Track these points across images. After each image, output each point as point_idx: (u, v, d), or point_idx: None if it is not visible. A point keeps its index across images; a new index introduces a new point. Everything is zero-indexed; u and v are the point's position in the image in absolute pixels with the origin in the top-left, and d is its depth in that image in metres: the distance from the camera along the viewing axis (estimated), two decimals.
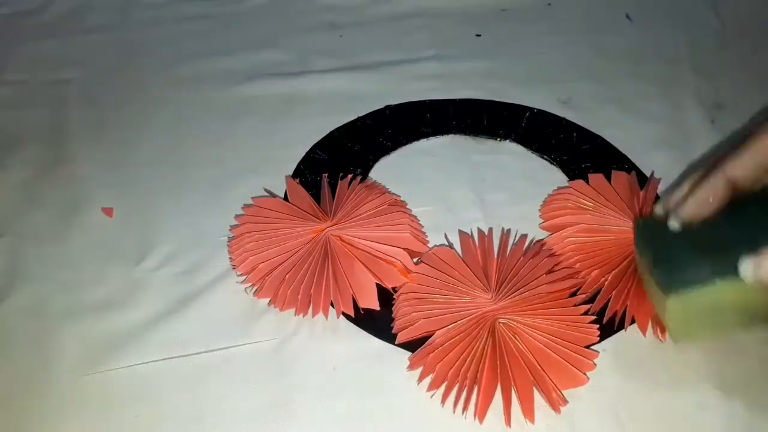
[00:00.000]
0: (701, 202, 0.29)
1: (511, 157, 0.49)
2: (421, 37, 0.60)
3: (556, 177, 0.47)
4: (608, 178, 0.45)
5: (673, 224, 0.30)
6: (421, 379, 0.35)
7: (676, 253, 0.29)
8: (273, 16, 0.63)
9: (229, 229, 0.43)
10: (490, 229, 0.43)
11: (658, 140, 0.49)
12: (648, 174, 0.46)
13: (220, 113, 0.53)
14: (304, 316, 0.38)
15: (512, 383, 0.34)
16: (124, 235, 0.44)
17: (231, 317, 0.39)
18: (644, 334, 0.37)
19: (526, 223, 0.43)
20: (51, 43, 0.60)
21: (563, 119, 0.51)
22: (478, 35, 0.61)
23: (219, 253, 0.42)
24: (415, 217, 0.43)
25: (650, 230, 0.32)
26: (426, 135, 0.50)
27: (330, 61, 0.57)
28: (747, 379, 0.36)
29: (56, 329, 0.38)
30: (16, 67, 0.57)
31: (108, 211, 0.45)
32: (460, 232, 0.43)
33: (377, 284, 0.39)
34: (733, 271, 0.26)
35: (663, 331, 0.37)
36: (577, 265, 0.40)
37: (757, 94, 0.52)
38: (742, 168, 0.28)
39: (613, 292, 0.38)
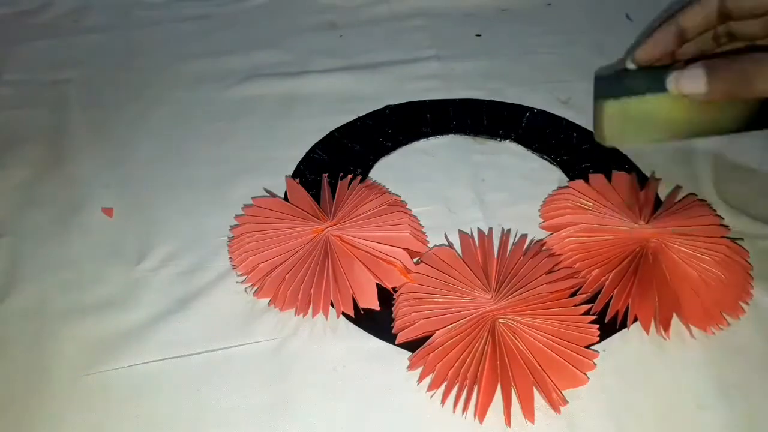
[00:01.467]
0: (654, 43, 0.34)
1: (511, 157, 0.49)
2: (421, 37, 0.60)
3: (556, 177, 0.47)
4: (608, 178, 0.45)
5: (629, 64, 0.36)
6: (421, 379, 0.35)
7: (624, 77, 0.34)
8: (273, 16, 0.63)
9: (229, 229, 0.43)
10: (490, 229, 0.43)
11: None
12: (648, 174, 0.46)
13: (220, 113, 0.53)
14: (304, 316, 0.38)
15: (512, 383, 0.34)
16: (124, 235, 0.44)
17: (231, 317, 0.39)
18: (647, 332, 0.37)
19: (526, 223, 0.43)
20: (51, 43, 0.60)
21: (563, 119, 0.51)
22: (478, 35, 0.61)
23: (219, 253, 0.42)
24: (415, 217, 0.43)
25: (606, 77, 0.37)
26: (426, 135, 0.50)
27: (330, 61, 0.57)
28: (747, 379, 0.36)
29: (56, 329, 0.38)
30: (16, 67, 0.57)
31: (108, 211, 0.45)
32: (460, 232, 0.43)
33: (377, 284, 0.39)
34: (663, 86, 0.32)
35: (666, 329, 0.37)
36: (577, 264, 0.40)
37: None
38: (691, 19, 0.34)
39: (615, 290, 0.38)
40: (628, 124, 0.34)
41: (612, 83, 0.35)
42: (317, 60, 0.58)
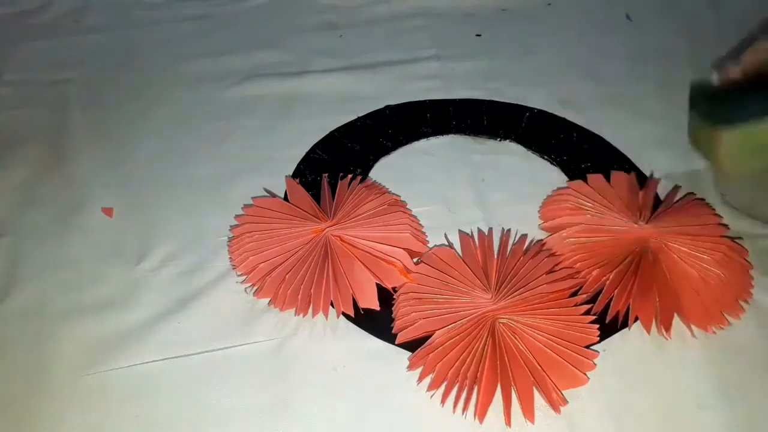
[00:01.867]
0: (751, 58, 0.32)
1: (511, 157, 0.49)
2: (421, 37, 0.60)
3: (556, 177, 0.47)
4: (607, 178, 0.45)
5: (734, 71, 0.33)
6: (421, 378, 0.35)
7: (733, 96, 0.31)
8: (273, 16, 0.63)
9: (229, 229, 0.43)
10: (490, 229, 0.43)
11: (657, 140, 0.49)
12: (647, 174, 0.46)
13: (220, 113, 0.53)
14: (304, 316, 0.38)
15: (512, 383, 0.34)
16: (124, 235, 0.44)
17: (231, 317, 0.39)
18: (648, 332, 0.37)
19: (526, 223, 0.43)
20: (51, 43, 0.60)
21: (563, 119, 0.51)
22: (478, 35, 0.61)
23: (219, 253, 0.42)
24: (415, 217, 0.43)
25: (705, 89, 0.34)
26: (426, 135, 0.50)
27: (330, 61, 0.57)
28: (747, 379, 0.36)
29: (56, 329, 0.38)
30: (16, 67, 0.57)
31: (108, 211, 0.45)
32: (460, 232, 0.43)
33: (377, 284, 0.39)
34: None
35: (668, 329, 0.37)
36: (578, 264, 0.40)
37: None
38: None
39: (615, 291, 0.38)
40: (748, 151, 0.32)
41: (719, 105, 0.32)
42: (317, 60, 0.58)
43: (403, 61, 0.57)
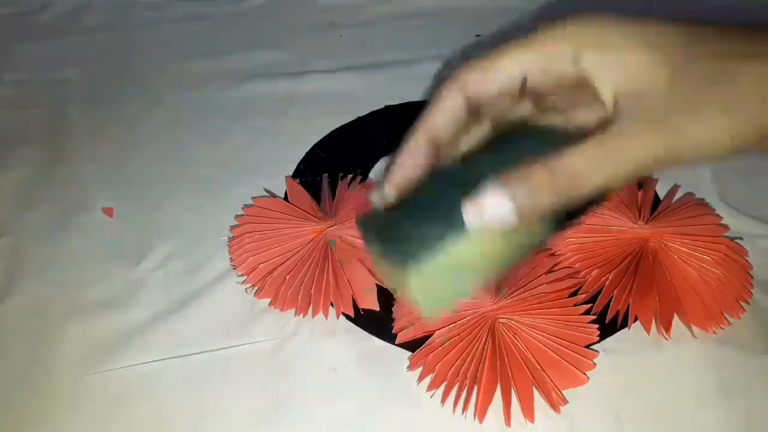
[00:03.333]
0: (407, 167, 0.27)
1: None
2: (421, 37, 0.60)
3: None
4: None
5: (388, 194, 0.27)
6: (421, 378, 0.35)
7: (403, 230, 0.26)
8: (273, 16, 0.63)
9: (229, 229, 0.43)
10: None
11: None
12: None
13: (220, 113, 0.53)
14: (304, 317, 0.38)
15: (512, 383, 0.34)
16: (124, 235, 0.44)
17: (231, 317, 0.39)
18: (648, 332, 0.37)
19: None
20: (51, 43, 0.60)
21: None
22: (478, 35, 0.61)
23: (219, 253, 0.42)
24: None
25: (373, 221, 0.29)
26: None
27: (330, 61, 0.57)
28: (747, 379, 0.36)
29: (56, 329, 0.38)
30: (16, 67, 0.57)
31: (108, 211, 0.45)
32: None
33: (377, 284, 0.39)
34: (459, 226, 0.24)
35: (667, 329, 0.37)
36: (577, 265, 0.40)
37: None
38: (434, 124, 0.26)
39: (615, 290, 0.38)
40: (440, 287, 0.26)
41: (394, 239, 0.26)
42: (317, 60, 0.58)
43: (403, 61, 0.57)
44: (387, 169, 0.28)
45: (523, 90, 0.25)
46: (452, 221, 0.24)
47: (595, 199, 0.25)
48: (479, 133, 0.28)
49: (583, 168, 0.23)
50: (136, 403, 0.35)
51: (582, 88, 0.24)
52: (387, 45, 0.59)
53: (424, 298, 0.27)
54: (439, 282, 0.26)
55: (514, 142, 0.27)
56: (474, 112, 0.26)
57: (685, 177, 0.46)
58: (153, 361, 0.37)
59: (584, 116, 0.25)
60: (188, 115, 0.53)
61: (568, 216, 0.27)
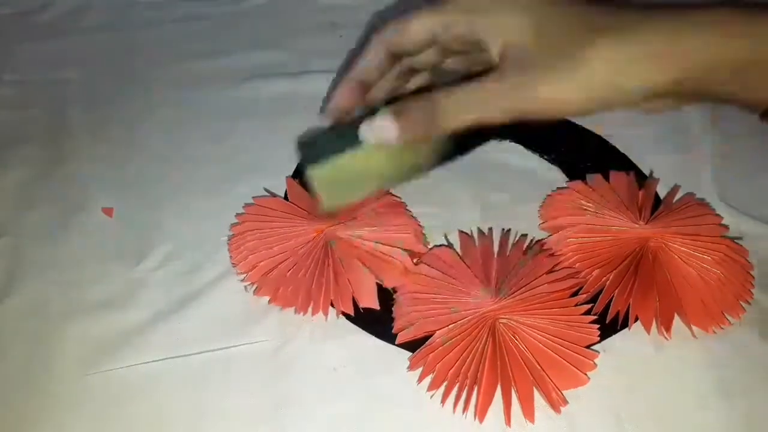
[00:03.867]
0: (340, 98, 0.34)
1: (511, 157, 0.49)
2: None
3: (556, 177, 0.47)
4: (607, 178, 0.45)
5: (324, 120, 0.34)
6: (421, 379, 0.35)
7: (322, 144, 0.33)
8: (273, 16, 0.63)
9: (229, 229, 0.43)
10: (490, 229, 0.43)
11: (658, 140, 0.49)
12: (647, 174, 0.46)
13: (220, 113, 0.53)
14: (303, 315, 0.38)
15: (512, 383, 0.34)
16: (124, 234, 0.44)
17: (231, 317, 0.39)
18: (648, 332, 0.37)
19: (526, 223, 0.43)
20: (51, 43, 0.60)
21: (563, 119, 0.51)
22: None
23: (219, 253, 0.42)
24: (414, 217, 0.43)
25: (307, 139, 0.36)
26: None
27: (330, 61, 0.57)
28: (747, 379, 0.36)
29: (56, 329, 0.38)
30: (16, 67, 0.57)
31: (108, 211, 0.45)
32: (460, 232, 0.43)
33: (377, 284, 0.39)
34: (356, 140, 0.31)
35: (668, 329, 0.37)
36: (578, 265, 0.40)
37: None
38: (365, 72, 0.33)
39: (615, 291, 0.38)
40: (339, 186, 0.34)
41: (314, 147, 0.33)
42: (317, 60, 0.57)
43: None
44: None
45: (432, 44, 0.32)
46: (356, 139, 0.31)
47: (481, 136, 0.33)
48: (419, 81, 0.35)
49: (449, 106, 0.29)
50: (136, 403, 0.35)
51: (478, 43, 0.30)
52: None
53: (325, 194, 0.34)
54: (339, 182, 0.33)
55: None
56: (394, 60, 0.33)
57: (686, 177, 0.46)
58: (153, 361, 0.37)
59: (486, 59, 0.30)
60: (188, 115, 0.53)
61: (457, 149, 0.35)
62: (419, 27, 0.31)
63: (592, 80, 0.27)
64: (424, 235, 0.42)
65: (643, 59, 0.27)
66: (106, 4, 0.64)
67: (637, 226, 0.41)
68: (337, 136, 0.33)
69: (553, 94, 0.28)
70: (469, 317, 0.36)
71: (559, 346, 0.35)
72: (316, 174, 0.33)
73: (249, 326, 0.38)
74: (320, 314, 0.38)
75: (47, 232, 0.44)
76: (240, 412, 0.35)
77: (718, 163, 0.47)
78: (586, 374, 0.35)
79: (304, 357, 0.37)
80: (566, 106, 0.28)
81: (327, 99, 0.39)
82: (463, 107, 0.29)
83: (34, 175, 0.48)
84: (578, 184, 0.44)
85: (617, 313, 0.38)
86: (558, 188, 0.45)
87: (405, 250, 0.40)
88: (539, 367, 0.34)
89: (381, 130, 0.30)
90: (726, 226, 0.41)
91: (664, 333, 0.37)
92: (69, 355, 0.37)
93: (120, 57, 0.59)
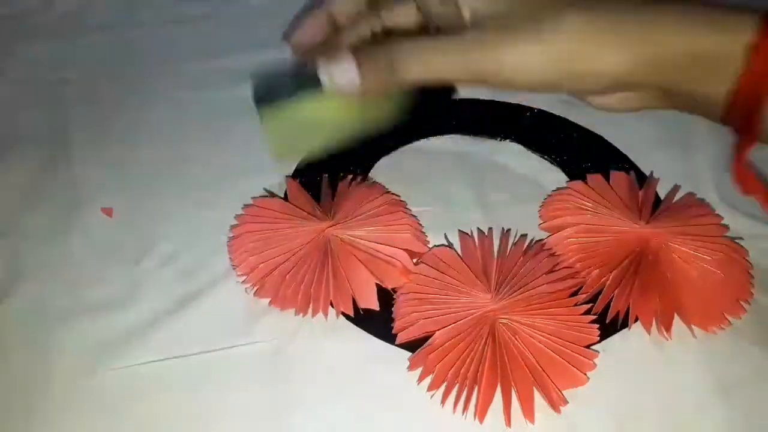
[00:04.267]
0: (306, 31, 0.32)
1: (511, 156, 0.49)
2: None
3: (556, 177, 0.47)
4: (607, 178, 0.45)
5: (290, 54, 0.33)
6: (421, 379, 0.35)
7: (274, 79, 0.32)
8: (273, 16, 0.63)
9: (229, 229, 0.43)
10: (490, 229, 0.43)
11: (658, 140, 0.49)
12: (647, 173, 0.46)
13: (220, 113, 0.53)
14: (303, 316, 0.38)
15: (512, 383, 0.34)
16: (124, 234, 0.44)
17: (231, 317, 0.39)
18: (648, 332, 0.37)
19: (526, 223, 0.43)
20: (51, 43, 0.60)
21: (563, 119, 0.51)
22: None
23: (219, 253, 0.42)
24: (415, 217, 0.43)
25: (263, 78, 0.36)
26: (426, 135, 0.50)
27: None
28: (747, 379, 0.36)
29: (56, 329, 0.38)
30: (16, 67, 0.57)
31: (108, 211, 0.45)
32: (460, 233, 0.43)
33: (377, 284, 0.39)
34: (314, 84, 0.28)
35: (668, 329, 0.37)
36: (578, 265, 0.40)
37: None
38: (336, 3, 0.32)
39: (615, 291, 0.38)
40: (291, 132, 0.31)
41: (268, 87, 0.31)
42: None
43: None
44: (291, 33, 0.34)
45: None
46: (306, 80, 0.29)
47: (443, 96, 0.32)
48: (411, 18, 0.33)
49: (411, 56, 0.28)
50: (136, 403, 0.35)
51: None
52: None
53: (275, 140, 0.32)
54: (291, 129, 0.31)
55: None
56: (371, 7, 0.32)
57: (685, 177, 0.46)
58: (153, 361, 0.37)
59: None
60: (188, 115, 0.53)
61: (418, 107, 0.33)
62: None
63: (556, 47, 0.27)
64: (424, 234, 0.42)
65: (609, 33, 0.27)
66: (106, 5, 0.64)
67: (637, 226, 0.41)
68: (294, 77, 0.30)
69: (515, 56, 0.27)
70: (469, 317, 0.36)
71: (559, 346, 0.35)
72: (267, 116, 0.30)
73: (249, 326, 0.38)
74: (320, 315, 0.38)
75: (47, 232, 0.44)
76: (240, 412, 0.35)
77: (718, 163, 0.47)
78: (585, 374, 0.35)
79: (304, 357, 0.37)
80: (528, 74, 0.28)
81: (293, 25, 0.35)
82: (425, 59, 0.28)
83: (34, 175, 0.48)
84: (578, 184, 0.44)
85: (617, 313, 0.38)
86: (558, 188, 0.45)
87: (405, 250, 0.40)
88: (539, 367, 0.34)
89: (342, 74, 0.28)
90: (726, 226, 0.41)
91: (664, 333, 0.37)
92: (69, 355, 0.37)
93: (120, 57, 0.59)
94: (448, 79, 0.29)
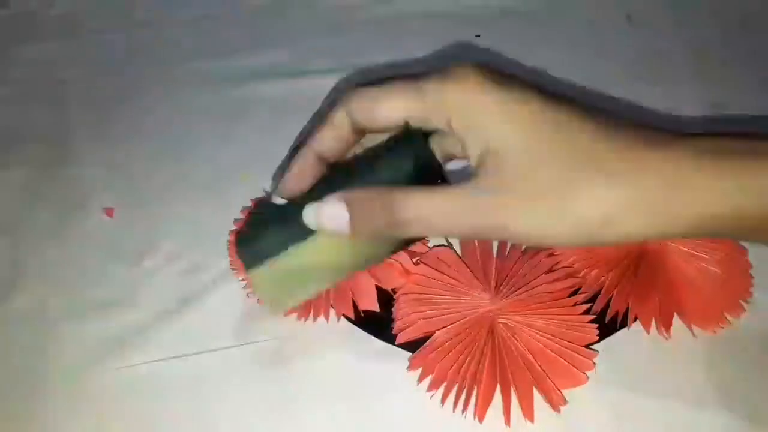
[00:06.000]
0: (296, 176, 0.29)
1: None
2: (421, 37, 0.60)
3: None
4: None
5: (278, 200, 0.29)
6: (421, 379, 0.35)
7: (256, 232, 0.29)
8: (273, 16, 0.63)
9: (230, 230, 0.43)
10: None
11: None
12: None
13: (220, 113, 0.53)
14: (305, 321, 0.38)
15: (512, 383, 0.34)
16: (124, 234, 0.44)
17: (231, 317, 0.39)
18: (647, 332, 0.37)
19: None
20: (51, 43, 0.60)
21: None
22: (478, 35, 0.61)
23: (219, 253, 0.42)
24: None
25: (247, 225, 0.32)
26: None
27: (330, 61, 0.57)
28: (747, 380, 0.36)
29: (56, 329, 0.38)
30: (16, 67, 0.57)
31: (109, 211, 0.45)
32: None
33: (376, 285, 0.39)
34: (303, 233, 0.27)
35: (667, 328, 0.37)
36: (576, 265, 0.40)
37: (756, 94, 0.52)
38: (324, 142, 0.29)
39: (615, 290, 0.38)
40: (285, 285, 0.29)
41: (253, 243, 0.28)
42: (317, 60, 0.57)
43: (403, 62, 0.57)
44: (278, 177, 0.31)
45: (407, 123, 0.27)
46: (293, 230, 0.27)
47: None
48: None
49: (408, 211, 0.25)
50: (136, 403, 0.35)
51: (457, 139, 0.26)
52: (387, 45, 0.59)
53: (269, 297, 0.30)
54: (284, 282, 0.28)
55: (394, 156, 0.28)
56: (360, 132, 0.28)
57: None
58: (153, 361, 0.37)
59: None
60: (188, 115, 0.53)
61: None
62: (394, 108, 0.27)
63: (580, 220, 0.24)
64: None
65: (639, 205, 0.24)
66: (106, 4, 0.64)
67: None
68: (279, 225, 0.28)
69: (533, 227, 0.24)
70: (469, 317, 0.36)
71: (559, 346, 0.35)
72: (256, 277, 0.28)
73: (249, 326, 0.38)
74: (321, 317, 0.38)
75: (47, 232, 0.44)
76: (240, 412, 0.35)
77: None
78: (585, 374, 0.35)
79: (304, 357, 0.37)
80: (545, 240, 0.25)
81: (280, 171, 0.34)
82: (425, 216, 0.25)
83: (34, 175, 0.48)
84: None
85: (616, 313, 0.38)
86: None
87: (404, 250, 0.40)
88: (539, 367, 0.34)
89: (331, 219, 0.26)
90: None
91: (664, 332, 0.37)
92: (69, 355, 0.37)
93: (120, 57, 0.59)
94: (447, 236, 0.27)
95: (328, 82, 0.55)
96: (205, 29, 0.61)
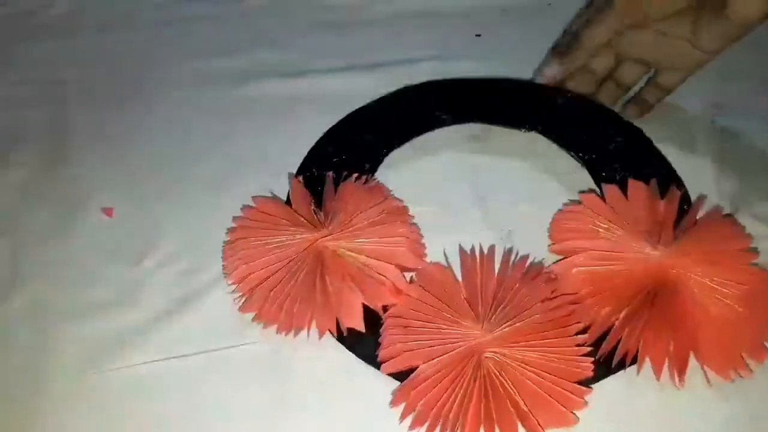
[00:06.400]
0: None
1: (512, 157, 0.48)
2: (421, 37, 0.60)
3: (581, 179, 0.45)
4: (625, 187, 0.42)
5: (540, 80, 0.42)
6: (403, 417, 0.33)
7: None
8: (273, 16, 0.63)
9: (226, 233, 0.42)
10: (491, 248, 0.41)
11: (657, 140, 0.49)
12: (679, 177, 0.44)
13: (220, 113, 0.53)
14: (285, 335, 0.37)
15: (495, 424, 0.32)
16: (124, 234, 0.44)
17: (231, 317, 0.39)
18: (658, 378, 0.34)
19: (527, 224, 0.42)
20: (51, 43, 0.60)
21: (600, 106, 0.50)
22: (478, 35, 0.60)
23: (219, 253, 0.42)
24: (415, 225, 0.41)
25: None
26: (443, 123, 0.49)
27: (330, 61, 0.57)
28: (747, 380, 0.35)
29: (56, 329, 0.38)
30: (16, 67, 0.57)
31: (108, 211, 0.45)
32: (461, 250, 0.41)
33: (364, 304, 0.37)
34: None
35: (681, 374, 0.34)
36: (588, 300, 0.37)
37: (757, 94, 0.52)
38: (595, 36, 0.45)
39: (626, 330, 0.35)
40: None
41: None
42: (318, 60, 0.57)
43: (403, 61, 0.57)
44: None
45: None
46: None
47: None
48: None
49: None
50: (135, 403, 0.35)
51: None
52: (387, 45, 0.59)
53: None
54: None
55: None
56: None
57: (710, 188, 0.44)
58: (153, 361, 0.37)
59: None
60: (188, 115, 0.53)
61: None
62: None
63: None
64: (422, 246, 0.40)
65: None
66: (106, 4, 0.64)
67: (655, 252, 0.37)
68: None
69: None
70: (456, 351, 0.34)
71: (548, 383, 0.33)
72: None
73: (249, 326, 0.38)
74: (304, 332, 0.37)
75: (47, 232, 0.44)
76: (238, 412, 0.35)
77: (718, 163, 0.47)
78: (574, 413, 0.33)
79: (303, 357, 0.37)
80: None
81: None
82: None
83: (34, 175, 0.48)
84: (591, 198, 0.41)
85: (626, 354, 0.34)
86: (570, 201, 0.43)
87: (397, 265, 0.38)
88: (524, 407, 0.32)
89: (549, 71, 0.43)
90: (755, 251, 0.37)
91: (676, 378, 0.33)
92: (69, 355, 0.37)
93: (120, 57, 0.59)
94: None
95: (328, 82, 0.55)
96: (205, 29, 0.61)
